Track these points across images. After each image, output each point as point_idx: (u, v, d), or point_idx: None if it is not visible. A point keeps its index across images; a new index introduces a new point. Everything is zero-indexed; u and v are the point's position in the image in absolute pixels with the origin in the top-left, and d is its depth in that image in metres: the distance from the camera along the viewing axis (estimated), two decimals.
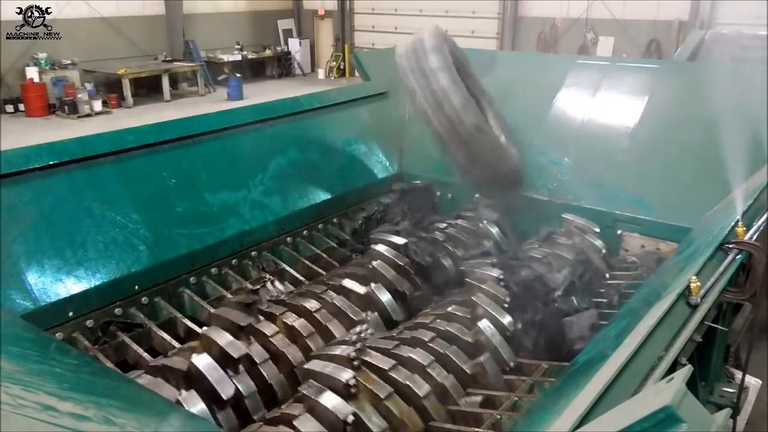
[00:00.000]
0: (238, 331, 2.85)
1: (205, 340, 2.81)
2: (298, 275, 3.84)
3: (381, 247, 3.65)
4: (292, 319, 3.07)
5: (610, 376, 1.64)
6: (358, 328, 2.87)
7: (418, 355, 2.73)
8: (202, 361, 2.61)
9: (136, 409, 1.73)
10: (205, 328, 2.98)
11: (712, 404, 3.10)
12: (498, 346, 2.89)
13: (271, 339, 2.91)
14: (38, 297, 2.92)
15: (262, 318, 3.05)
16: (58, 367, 1.91)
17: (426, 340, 2.88)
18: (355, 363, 2.53)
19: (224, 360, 2.67)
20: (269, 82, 22.30)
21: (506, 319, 3.00)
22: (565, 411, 1.54)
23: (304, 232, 4.25)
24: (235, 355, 2.68)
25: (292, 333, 3.02)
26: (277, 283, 3.59)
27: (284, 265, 3.90)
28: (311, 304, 3.17)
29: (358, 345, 2.65)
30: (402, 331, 3.06)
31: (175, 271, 3.48)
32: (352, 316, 3.19)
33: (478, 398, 2.68)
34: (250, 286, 3.52)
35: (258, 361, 2.78)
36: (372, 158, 4.91)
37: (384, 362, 2.63)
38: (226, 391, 2.56)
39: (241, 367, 2.70)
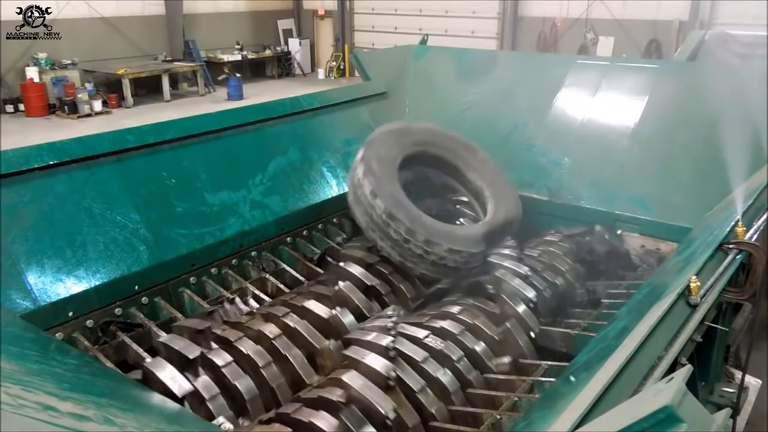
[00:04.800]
0: (186, 363, 2.61)
1: (148, 373, 2.56)
2: (298, 275, 3.84)
3: (349, 266, 3.52)
4: (247, 347, 2.81)
5: (610, 376, 1.64)
6: (390, 312, 2.99)
7: (449, 325, 2.95)
8: None
9: (136, 409, 1.73)
10: (149, 360, 2.74)
11: (712, 404, 3.11)
12: (523, 314, 3.17)
13: (222, 370, 2.65)
14: (38, 297, 2.92)
15: (215, 345, 2.79)
16: (58, 367, 1.91)
17: (455, 312, 3.11)
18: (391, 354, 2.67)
19: (168, 395, 2.43)
20: (269, 82, 22.30)
21: (531, 293, 3.28)
22: (565, 411, 1.55)
23: (304, 232, 4.25)
24: (179, 394, 2.45)
25: (247, 362, 2.76)
26: (237, 301, 3.41)
27: (284, 265, 3.90)
28: (270, 329, 2.92)
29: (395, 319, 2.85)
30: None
31: (175, 271, 3.48)
32: (313, 342, 2.95)
33: (506, 359, 2.92)
34: (207, 306, 3.33)
35: (206, 397, 2.54)
36: None
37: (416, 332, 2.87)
38: None
39: (186, 404, 2.47)
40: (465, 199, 4.28)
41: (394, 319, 2.87)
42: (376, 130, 4.03)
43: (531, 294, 3.31)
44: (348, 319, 3.17)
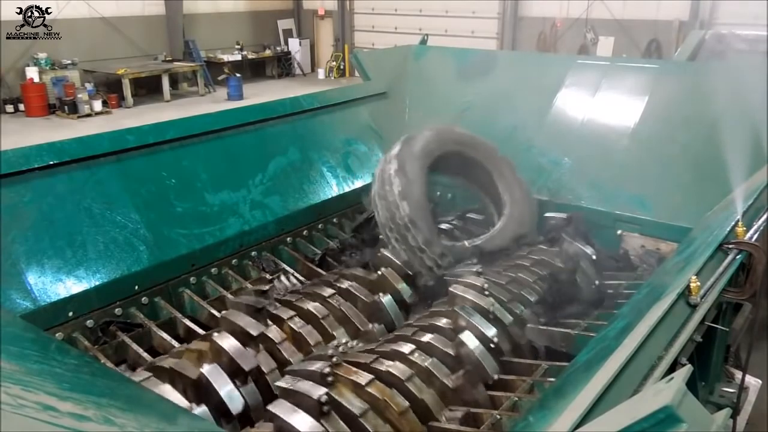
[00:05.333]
0: (248, 340, 2.77)
1: (214, 345, 2.71)
2: (298, 275, 3.84)
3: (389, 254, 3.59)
4: (300, 325, 3.04)
5: (610, 376, 1.64)
6: (335, 342, 2.88)
7: (396, 369, 2.56)
8: (213, 371, 2.54)
9: (136, 409, 1.72)
10: (215, 333, 2.82)
11: (712, 404, 3.11)
12: (480, 358, 2.71)
13: (278, 346, 2.87)
14: (38, 297, 2.92)
15: (270, 323, 3.01)
16: (58, 367, 1.90)
17: (405, 352, 2.67)
18: (329, 379, 2.38)
19: (233, 368, 2.63)
20: (269, 82, 22.30)
21: (491, 332, 2.84)
22: (565, 411, 1.54)
23: (304, 232, 4.25)
24: (246, 368, 2.63)
25: (299, 340, 2.99)
26: (284, 279, 3.58)
27: (284, 265, 3.90)
28: (319, 310, 3.14)
29: (335, 359, 2.51)
30: (382, 343, 2.85)
31: (175, 271, 3.48)
32: (358, 325, 3.17)
33: (459, 414, 2.51)
34: (259, 287, 3.45)
35: (266, 371, 2.73)
36: (372, 158, 4.91)
37: (361, 377, 2.46)
38: (235, 405, 2.51)
39: (249, 378, 2.65)
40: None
41: (335, 359, 2.51)
42: (418, 131, 3.97)
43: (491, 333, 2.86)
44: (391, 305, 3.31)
